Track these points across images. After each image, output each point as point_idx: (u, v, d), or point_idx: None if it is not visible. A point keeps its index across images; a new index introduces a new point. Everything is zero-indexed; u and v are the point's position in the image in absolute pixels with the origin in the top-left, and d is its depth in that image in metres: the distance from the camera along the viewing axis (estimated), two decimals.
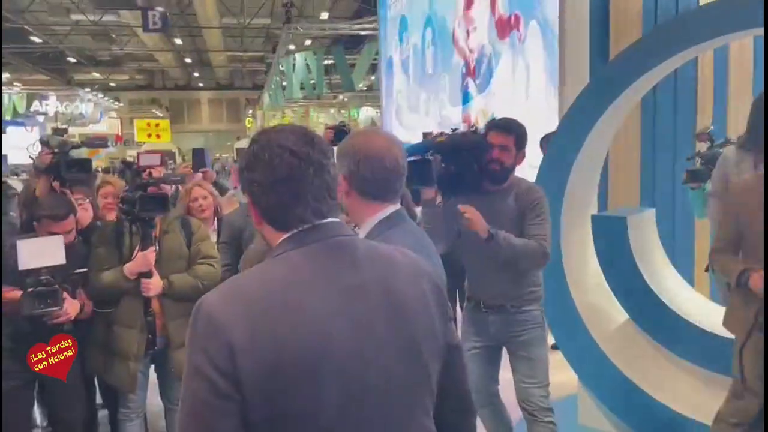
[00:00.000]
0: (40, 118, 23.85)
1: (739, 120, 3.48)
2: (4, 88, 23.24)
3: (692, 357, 3.01)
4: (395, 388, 1.06)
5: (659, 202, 3.70)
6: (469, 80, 6.65)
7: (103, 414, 3.46)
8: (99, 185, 4.04)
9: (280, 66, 18.51)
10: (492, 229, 2.57)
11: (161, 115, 31.75)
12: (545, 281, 2.87)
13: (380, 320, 1.06)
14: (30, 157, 3.26)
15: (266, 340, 0.97)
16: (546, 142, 4.26)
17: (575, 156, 3.21)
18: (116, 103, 30.68)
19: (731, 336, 2.52)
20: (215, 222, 3.72)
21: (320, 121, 25.45)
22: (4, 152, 17.55)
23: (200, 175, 3.94)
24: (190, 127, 33.57)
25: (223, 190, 4.08)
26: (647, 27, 3.50)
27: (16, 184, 6.92)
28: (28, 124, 22.86)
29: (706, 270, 3.48)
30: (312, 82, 16.81)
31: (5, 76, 23.10)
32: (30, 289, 2.50)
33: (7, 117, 22.39)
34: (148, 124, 28.20)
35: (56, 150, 3.07)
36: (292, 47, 18.23)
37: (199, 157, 3.96)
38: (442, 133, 3.13)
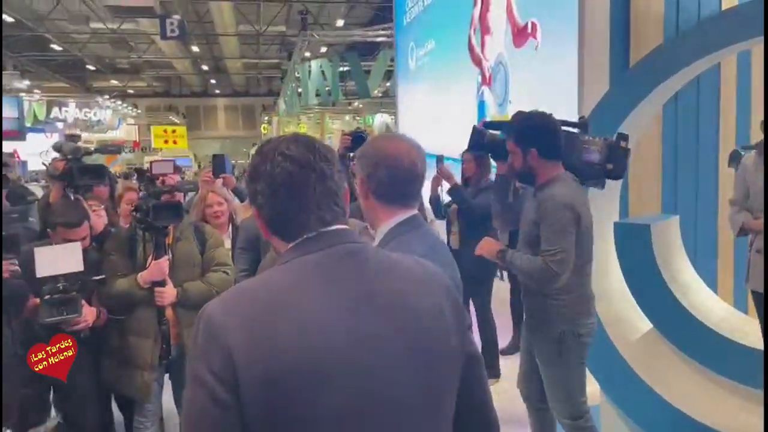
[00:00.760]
0: (60, 125, 24.18)
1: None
2: (24, 95, 23.63)
3: (717, 366, 2.95)
4: (405, 402, 1.03)
5: (681, 211, 3.64)
6: (485, 89, 6.62)
7: (119, 420, 3.45)
8: (121, 193, 4.07)
9: (296, 73, 18.61)
10: (503, 246, 2.63)
11: (178, 121, 32.01)
12: None
13: (389, 331, 1.03)
14: (43, 163, 3.27)
15: (265, 347, 0.95)
16: None
17: None
18: (134, 109, 31.01)
19: (757, 346, 2.46)
20: (230, 228, 3.72)
21: (335, 127, 25.56)
22: (24, 158, 17.89)
23: (220, 181, 3.91)
24: (207, 133, 33.83)
25: (242, 196, 4.05)
26: (668, 33, 3.45)
27: (36, 189, 7.02)
28: (47, 130, 23.24)
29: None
30: (327, 88, 16.85)
31: (25, 83, 23.44)
32: (47, 296, 2.49)
33: (27, 124, 22.74)
34: (165, 131, 28.36)
35: (69, 156, 3.07)
36: (307, 54, 18.33)
37: (219, 163, 3.92)
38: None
